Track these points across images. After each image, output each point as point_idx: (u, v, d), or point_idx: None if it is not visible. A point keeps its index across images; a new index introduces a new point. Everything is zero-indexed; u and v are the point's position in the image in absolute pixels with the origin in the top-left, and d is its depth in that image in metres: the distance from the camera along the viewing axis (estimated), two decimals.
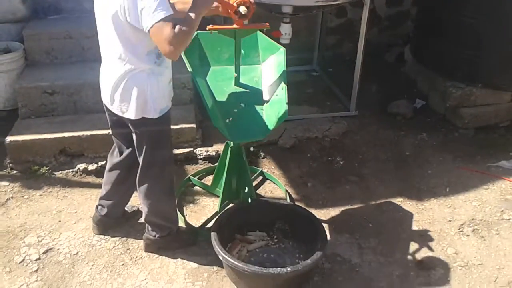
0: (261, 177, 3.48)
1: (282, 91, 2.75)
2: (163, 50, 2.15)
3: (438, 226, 3.09)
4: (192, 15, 2.18)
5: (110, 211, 2.86)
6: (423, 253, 2.89)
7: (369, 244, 2.95)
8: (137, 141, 2.52)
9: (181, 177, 3.37)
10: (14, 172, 3.42)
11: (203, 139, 3.66)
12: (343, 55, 5.06)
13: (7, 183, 3.33)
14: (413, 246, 2.94)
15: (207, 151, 3.59)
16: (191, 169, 3.52)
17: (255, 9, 2.52)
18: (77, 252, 2.82)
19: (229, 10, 2.49)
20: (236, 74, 2.84)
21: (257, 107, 2.85)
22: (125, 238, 2.91)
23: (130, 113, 2.39)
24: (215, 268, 2.72)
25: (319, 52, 4.92)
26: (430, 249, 2.92)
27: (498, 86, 4.01)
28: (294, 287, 2.61)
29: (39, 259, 2.77)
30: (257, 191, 3.32)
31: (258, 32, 2.92)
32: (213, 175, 3.26)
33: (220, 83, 2.92)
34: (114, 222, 2.94)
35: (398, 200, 3.31)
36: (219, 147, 3.57)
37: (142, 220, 2.86)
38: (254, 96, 2.90)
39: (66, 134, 3.44)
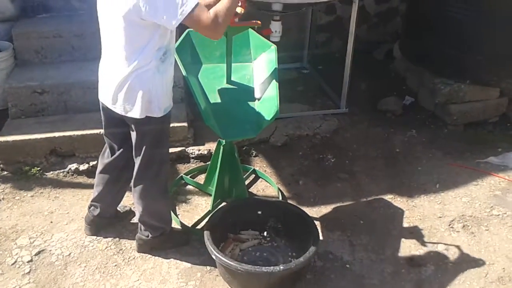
0: (253, 176, 3.49)
1: (273, 89, 2.76)
2: (206, 35, 2.28)
3: (428, 223, 3.12)
4: None
5: (103, 211, 2.86)
6: (414, 249, 2.92)
7: (361, 241, 2.97)
8: (137, 140, 2.50)
9: (173, 177, 3.37)
10: (5, 173, 3.39)
11: (195, 138, 3.66)
12: (332, 52, 5.08)
13: None
14: (404, 243, 2.96)
15: (199, 150, 3.59)
16: (183, 168, 3.52)
17: (246, 7, 2.53)
18: (70, 253, 2.81)
19: None
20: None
21: (249, 105, 2.86)
22: (117, 239, 2.90)
23: (135, 113, 2.38)
24: (208, 267, 2.73)
25: (309, 49, 4.94)
26: (421, 245, 2.94)
27: (486, 83, 4.05)
28: (287, 285, 2.62)
29: (31, 260, 2.75)
30: (249, 190, 3.33)
31: (250, 29, 2.93)
32: (206, 173, 3.26)
33: (212, 81, 2.93)
34: (106, 222, 2.93)
35: (388, 197, 3.33)
36: (211, 146, 3.57)
37: (134, 220, 2.86)
38: (245, 94, 2.91)
39: (56, 134, 3.43)
